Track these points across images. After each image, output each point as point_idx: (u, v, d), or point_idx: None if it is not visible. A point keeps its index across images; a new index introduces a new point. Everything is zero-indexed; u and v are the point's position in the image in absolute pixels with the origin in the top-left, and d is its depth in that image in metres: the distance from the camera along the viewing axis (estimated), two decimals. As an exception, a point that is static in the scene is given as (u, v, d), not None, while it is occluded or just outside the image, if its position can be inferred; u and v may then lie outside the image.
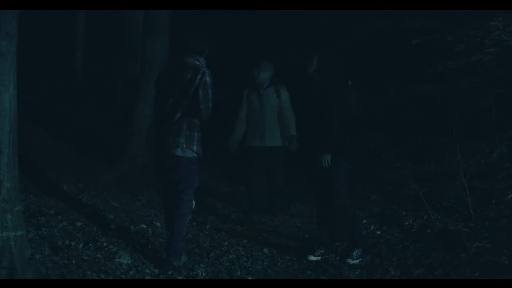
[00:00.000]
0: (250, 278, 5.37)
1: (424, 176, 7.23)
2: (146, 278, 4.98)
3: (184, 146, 5.16)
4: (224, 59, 9.94)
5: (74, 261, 4.82)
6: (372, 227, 6.96)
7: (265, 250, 6.16)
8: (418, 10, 7.09)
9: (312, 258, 5.99)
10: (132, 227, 5.96)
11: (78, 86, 10.81)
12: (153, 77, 7.23)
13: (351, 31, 9.30)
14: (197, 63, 5.20)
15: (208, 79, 5.13)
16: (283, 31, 10.84)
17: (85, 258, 4.95)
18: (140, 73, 7.85)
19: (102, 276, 4.77)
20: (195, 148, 5.20)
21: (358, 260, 5.92)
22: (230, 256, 5.84)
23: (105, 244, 5.29)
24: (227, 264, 5.63)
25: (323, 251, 6.05)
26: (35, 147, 7.68)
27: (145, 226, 6.01)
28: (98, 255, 5.06)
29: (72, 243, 5.11)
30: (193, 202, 5.30)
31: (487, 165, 6.81)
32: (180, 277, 5.08)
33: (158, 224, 6.15)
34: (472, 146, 6.95)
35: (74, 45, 11.16)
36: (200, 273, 5.27)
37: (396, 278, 5.46)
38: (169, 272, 5.07)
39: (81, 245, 5.14)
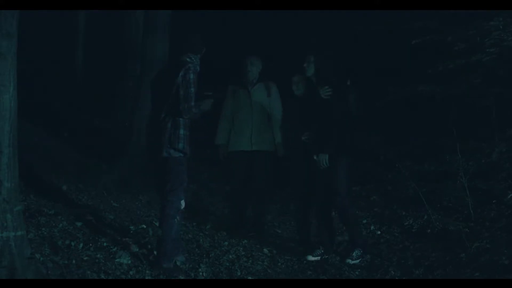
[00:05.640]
0: (250, 278, 5.38)
1: (424, 176, 7.24)
2: (146, 278, 4.98)
3: (168, 146, 5.11)
4: (223, 57, 9.93)
5: (74, 261, 4.82)
6: (372, 227, 6.97)
7: (265, 250, 6.16)
8: (418, 10, 7.09)
9: (311, 258, 6.01)
10: (132, 227, 5.97)
11: (78, 86, 10.81)
12: (153, 77, 7.27)
13: (351, 31, 9.30)
14: (188, 60, 5.18)
15: (191, 76, 5.06)
16: (282, 31, 10.84)
17: (85, 258, 4.96)
18: (140, 73, 7.85)
19: (102, 276, 4.77)
20: (180, 146, 5.11)
21: (358, 260, 5.93)
22: (230, 256, 5.84)
23: (105, 244, 5.29)
24: (227, 264, 5.63)
25: (322, 251, 6.06)
26: (36, 147, 7.68)
27: (145, 226, 6.02)
28: (98, 255, 5.06)
29: (72, 243, 5.12)
30: (183, 203, 5.23)
31: (487, 165, 6.82)
32: (180, 277, 5.09)
33: (158, 224, 6.14)
34: (472, 146, 6.94)
35: (74, 45, 11.16)
36: (200, 273, 5.28)
37: (396, 278, 5.47)
38: (161, 276, 5.04)
39: (81, 245, 5.15)
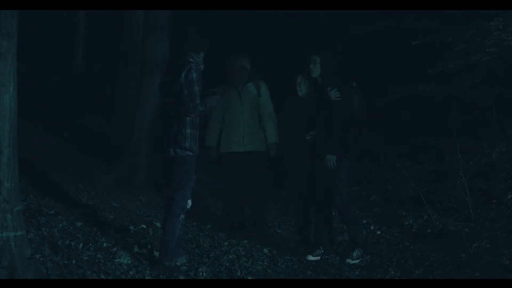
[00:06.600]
0: (250, 278, 5.38)
1: (424, 176, 7.24)
2: (146, 278, 4.98)
3: (175, 145, 5.15)
4: (223, 57, 9.92)
5: (74, 261, 4.82)
6: (372, 227, 6.97)
7: (265, 250, 6.16)
8: (418, 10, 7.09)
9: (311, 258, 6.02)
10: (132, 227, 5.97)
11: (78, 86, 10.81)
12: (153, 77, 7.27)
13: (350, 31, 9.30)
14: (190, 59, 5.20)
15: (194, 75, 5.09)
16: (282, 31, 10.83)
17: (85, 258, 4.96)
18: (140, 73, 7.85)
19: (102, 276, 4.77)
20: (187, 145, 5.14)
21: (358, 260, 5.94)
22: (230, 256, 5.84)
23: (105, 244, 5.29)
24: (227, 264, 5.64)
25: (322, 251, 6.07)
26: (36, 147, 7.67)
27: (145, 226, 6.02)
28: (98, 255, 5.06)
29: (72, 243, 5.11)
30: (189, 202, 5.26)
31: (487, 165, 6.82)
32: (180, 277, 5.09)
33: (158, 224, 6.13)
34: (472, 146, 6.94)
35: (74, 45, 11.15)
36: (200, 273, 5.28)
37: (396, 278, 5.48)
38: (161, 276, 5.05)
39: (81, 245, 5.15)
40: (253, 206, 6.78)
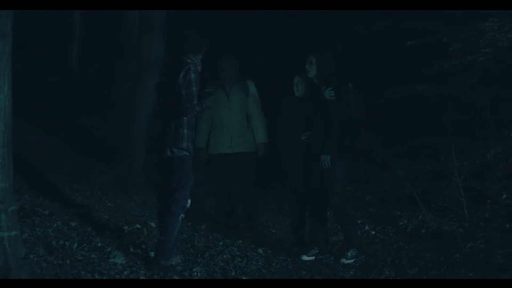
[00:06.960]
0: (244, 278, 5.39)
1: (419, 176, 7.24)
2: (141, 278, 4.99)
3: (172, 145, 5.18)
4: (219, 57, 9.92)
5: (68, 261, 4.83)
6: (367, 227, 6.98)
7: (260, 250, 6.17)
8: (416, 10, 7.10)
9: (305, 258, 6.02)
10: (127, 227, 5.98)
11: (75, 86, 10.81)
12: (150, 77, 7.29)
13: (350, 31, 9.31)
14: (189, 61, 5.23)
15: (192, 75, 5.13)
16: (281, 31, 10.84)
17: (80, 258, 4.96)
18: (137, 73, 7.85)
19: (97, 276, 4.78)
20: (184, 145, 5.19)
21: (352, 260, 5.95)
22: (225, 256, 5.85)
23: (99, 244, 5.30)
24: (222, 264, 5.64)
25: (316, 251, 6.08)
26: (32, 147, 7.68)
27: (139, 226, 6.03)
28: (93, 255, 5.07)
29: (67, 243, 5.12)
30: (189, 201, 5.29)
31: (482, 165, 6.82)
32: (174, 277, 5.10)
33: (153, 224, 6.15)
34: (468, 146, 6.94)
35: (71, 45, 11.15)
36: (194, 273, 5.29)
37: (391, 278, 5.48)
38: (155, 276, 5.06)
39: (76, 245, 5.16)
40: (245, 207, 6.77)
